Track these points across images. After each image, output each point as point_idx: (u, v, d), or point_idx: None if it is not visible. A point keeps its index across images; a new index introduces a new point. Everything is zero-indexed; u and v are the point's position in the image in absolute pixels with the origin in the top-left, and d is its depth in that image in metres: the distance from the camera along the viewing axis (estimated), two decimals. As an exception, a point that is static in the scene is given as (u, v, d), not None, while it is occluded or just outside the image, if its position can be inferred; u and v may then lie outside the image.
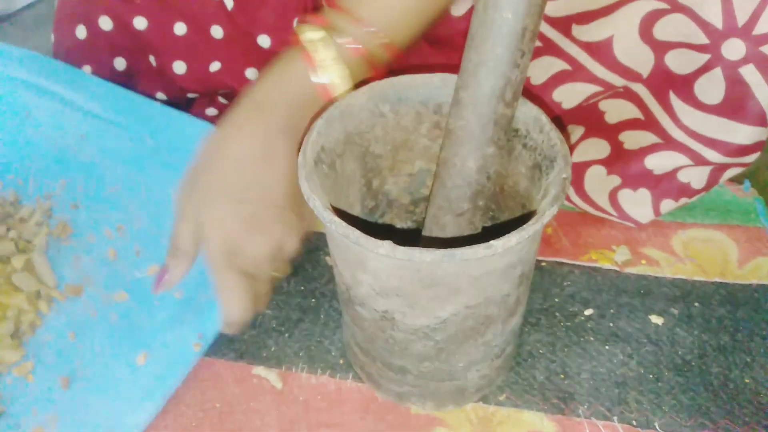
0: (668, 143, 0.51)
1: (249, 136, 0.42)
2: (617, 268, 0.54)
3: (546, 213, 0.34)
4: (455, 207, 0.39)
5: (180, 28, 0.58)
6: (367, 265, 0.36)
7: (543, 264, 0.55)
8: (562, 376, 0.48)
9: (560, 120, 0.54)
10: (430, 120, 0.43)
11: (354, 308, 0.40)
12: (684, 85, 0.48)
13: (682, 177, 0.52)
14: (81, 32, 0.59)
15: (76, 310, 0.50)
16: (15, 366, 0.47)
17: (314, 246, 0.57)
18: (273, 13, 0.57)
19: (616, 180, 0.54)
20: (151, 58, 0.60)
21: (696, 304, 0.51)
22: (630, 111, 0.52)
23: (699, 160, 0.50)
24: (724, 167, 0.51)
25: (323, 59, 0.42)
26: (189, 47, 0.59)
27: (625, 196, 0.54)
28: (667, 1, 0.45)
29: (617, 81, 0.49)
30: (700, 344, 0.49)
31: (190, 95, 0.63)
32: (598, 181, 0.54)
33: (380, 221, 0.49)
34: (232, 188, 0.42)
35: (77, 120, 0.57)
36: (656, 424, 0.45)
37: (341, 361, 0.49)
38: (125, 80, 0.60)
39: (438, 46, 0.53)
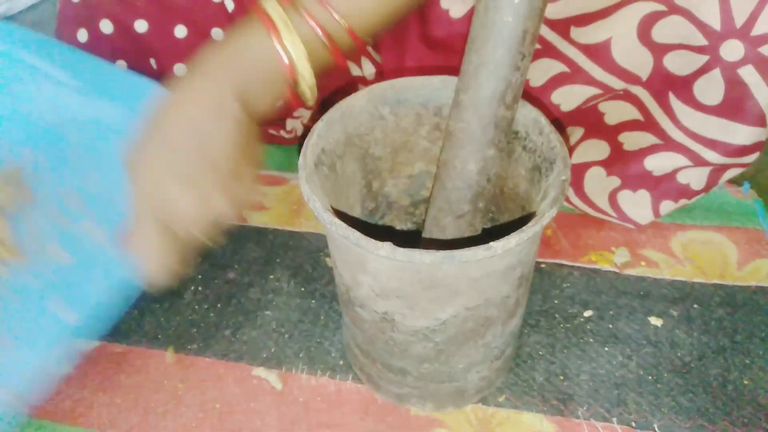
0: (668, 144, 0.51)
1: (200, 98, 0.41)
2: (617, 270, 0.54)
3: (545, 215, 0.34)
4: (455, 209, 0.39)
5: (181, 31, 0.58)
6: (367, 267, 0.36)
7: (542, 265, 0.55)
8: (561, 377, 0.48)
9: (559, 122, 0.54)
10: (430, 122, 0.43)
11: (354, 309, 0.40)
12: (683, 87, 0.48)
13: (682, 178, 0.52)
14: (82, 35, 0.60)
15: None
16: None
17: (315, 247, 0.57)
18: None
19: (615, 181, 0.54)
20: (152, 61, 0.60)
21: (695, 305, 0.52)
22: (629, 112, 0.52)
23: (698, 161, 0.50)
24: (723, 168, 0.51)
25: (285, 31, 0.42)
26: (190, 50, 0.59)
27: (625, 198, 0.54)
28: (664, 3, 0.45)
29: (616, 84, 0.49)
30: (699, 346, 0.49)
31: None
32: (598, 183, 0.54)
33: (380, 223, 0.49)
34: (174, 145, 0.41)
35: (45, 87, 0.57)
36: (655, 426, 0.45)
37: (341, 363, 0.49)
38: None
39: (437, 49, 0.53)
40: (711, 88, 0.47)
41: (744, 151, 0.49)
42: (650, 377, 0.47)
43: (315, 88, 0.44)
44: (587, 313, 0.51)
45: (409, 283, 0.35)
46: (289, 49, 0.42)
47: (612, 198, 0.54)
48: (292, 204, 0.61)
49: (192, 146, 0.40)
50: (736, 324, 0.50)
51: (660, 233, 0.57)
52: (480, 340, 0.40)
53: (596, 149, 0.54)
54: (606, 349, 0.49)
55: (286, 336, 0.51)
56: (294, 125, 0.64)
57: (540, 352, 0.49)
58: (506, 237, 0.33)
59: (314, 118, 0.63)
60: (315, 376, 0.48)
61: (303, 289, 0.54)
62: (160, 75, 0.60)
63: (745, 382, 0.47)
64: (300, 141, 0.66)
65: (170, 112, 0.42)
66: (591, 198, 0.55)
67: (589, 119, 0.54)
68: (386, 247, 0.33)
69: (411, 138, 0.44)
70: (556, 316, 0.51)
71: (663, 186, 0.53)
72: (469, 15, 0.50)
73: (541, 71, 0.51)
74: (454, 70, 0.38)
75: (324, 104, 0.64)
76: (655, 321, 0.51)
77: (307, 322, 0.52)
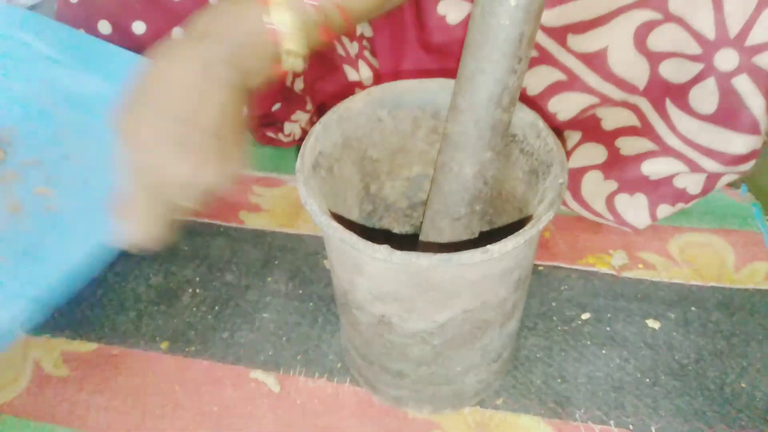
0: (664, 150, 0.51)
1: (189, 62, 0.40)
2: (614, 273, 0.54)
3: (542, 218, 0.34)
4: (452, 211, 0.39)
5: (178, 33, 0.58)
6: (364, 270, 0.36)
7: (540, 268, 0.55)
8: (559, 380, 0.48)
9: (557, 127, 0.54)
10: (427, 125, 0.44)
11: (351, 312, 0.40)
12: (679, 94, 0.48)
13: (679, 183, 0.52)
14: None
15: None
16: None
17: (312, 249, 0.57)
18: None
19: (613, 185, 0.54)
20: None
21: (692, 308, 0.52)
22: (627, 118, 0.52)
23: (695, 168, 0.51)
24: (720, 174, 0.51)
25: (278, 3, 0.41)
26: None
27: (622, 201, 0.54)
28: (660, 11, 0.45)
29: (614, 93, 0.49)
30: (696, 348, 0.49)
31: None
32: (595, 186, 0.54)
33: (378, 225, 0.49)
34: (164, 109, 0.40)
35: (38, 65, 0.60)
36: (653, 428, 0.45)
37: (339, 365, 0.49)
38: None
39: (435, 53, 0.53)
40: (706, 97, 0.47)
41: (740, 159, 0.49)
42: (648, 380, 0.47)
43: (305, 58, 0.43)
44: (585, 316, 0.51)
45: (406, 286, 0.35)
46: (282, 24, 0.41)
47: (609, 202, 0.54)
48: (290, 206, 0.61)
49: (184, 111, 0.39)
50: (733, 327, 0.50)
51: (657, 236, 0.57)
52: (477, 343, 0.40)
53: (593, 153, 0.54)
54: (603, 351, 0.49)
55: (284, 339, 0.51)
56: (292, 129, 0.64)
57: (538, 355, 0.49)
58: (503, 240, 0.33)
59: (312, 122, 0.63)
60: (312, 379, 0.48)
61: (301, 291, 0.54)
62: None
63: (743, 384, 0.47)
64: (298, 144, 0.66)
65: (160, 76, 0.41)
66: (588, 202, 0.55)
67: (587, 124, 0.54)
68: (383, 250, 0.33)
69: (408, 141, 0.44)
70: (554, 318, 0.51)
71: (660, 190, 0.53)
72: (466, 21, 0.50)
73: (539, 79, 0.51)
74: (451, 73, 0.38)
75: (321, 108, 0.64)
76: (653, 324, 0.51)
77: (304, 325, 0.52)
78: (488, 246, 0.33)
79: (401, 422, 0.46)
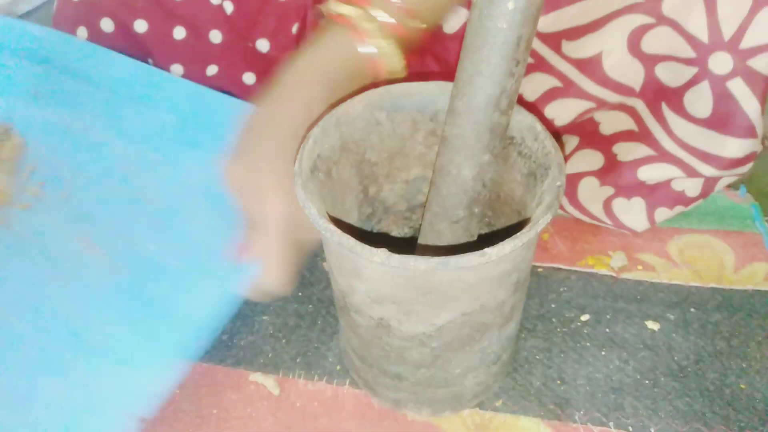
0: (661, 156, 0.51)
1: (292, 106, 0.42)
2: (613, 274, 0.54)
3: (540, 221, 0.34)
4: (451, 214, 0.39)
5: (179, 33, 0.58)
6: (362, 273, 0.36)
7: (539, 270, 0.55)
8: (558, 381, 0.48)
9: (555, 131, 0.54)
10: (426, 127, 0.44)
11: (350, 315, 0.40)
12: (674, 98, 0.48)
13: (676, 186, 0.52)
14: (82, 33, 0.60)
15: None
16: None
17: (312, 252, 0.57)
18: (273, 18, 0.58)
19: (609, 190, 0.54)
20: (150, 61, 0.60)
21: (692, 309, 0.52)
22: (624, 122, 0.52)
23: (692, 173, 0.50)
24: (718, 178, 0.51)
25: (368, 30, 0.42)
26: (187, 51, 0.59)
27: (620, 205, 0.54)
28: (653, 15, 0.45)
29: (610, 97, 0.49)
30: (696, 350, 0.49)
31: None
32: (591, 192, 0.54)
33: (377, 228, 0.49)
34: (285, 153, 0.41)
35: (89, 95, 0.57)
36: (652, 430, 0.45)
37: (338, 368, 0.49)
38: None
39: (433, 59, 0.54)
40: (700, 101, 0.47)
41: (737, 163, 0.49)
42: (647, 381, 0.47)
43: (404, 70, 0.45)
44: (584, 317, 0.51)
45: (405, 289, 0.35)
46: (379, 48, 0.42)
47: (606, 206, 0.54)
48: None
49: (290, 153, 0.40)
50: (732, 328, 0.50)
51: (657, 237, 0.57)
52: (476, 346, 0.40)
53: (590, 160, 0.54)
54: (603, 353, 0.49)
55: (283, 341, 0.51)
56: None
57: (537, 357, 0.49)
58: (501, 243, 0.33)
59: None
60: (312, 381, 0.48)
61: (300, 293, 0.54)
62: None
63: (742, 386, 0.47)
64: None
65: (264, 123, 0.42)
66: (585, 206, 0.55)
67: (584, 129, 0.54)
68: (381, 254, 0.33)
69: (407, 143, 0.44)
70: (553, 320, 0.51)
71: (658, 194, 0.53)
72: (462, 30, 0.50)
73: (534, 86, 0.51)
74: (451, 76, 0.38)
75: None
76: (652, 325, 0.51)
77: (304, 327, 0.52)
78: (486, 249, 0.33)
79: (400, 424, 0.46)
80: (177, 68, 0.59)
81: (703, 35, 0.44)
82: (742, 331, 0.50)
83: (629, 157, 0.52)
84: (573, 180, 0.55)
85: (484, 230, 0.47)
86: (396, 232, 0.50)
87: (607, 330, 0.50)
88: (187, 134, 0.53)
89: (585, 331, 0.51)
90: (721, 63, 0.44)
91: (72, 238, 0.51)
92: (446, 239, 0.40)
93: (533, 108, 0.52)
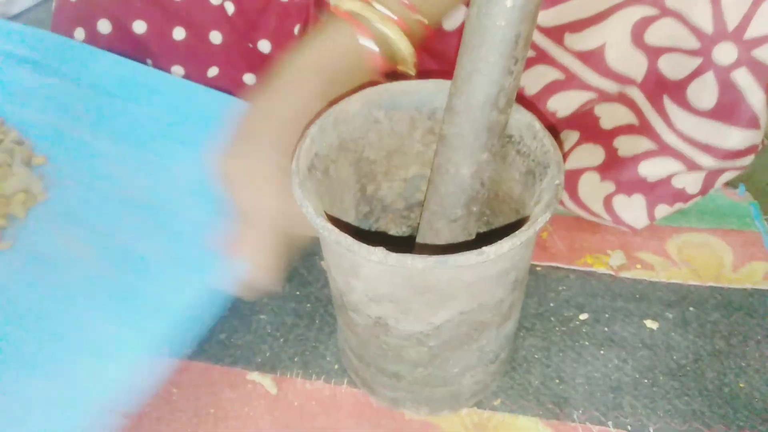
0: (662, 149, 0.51)
1: (288, 101, 0.41)
2: (612, 273, 0.54)
3: (539, 219, 0.34)
4: (449, 213, 0.39)
5: (179, 33, 0.58)
6: (359, 272, 0.36)
7: (538, 268, 0.55)
8: (557, 380, 0.48)
9: (554, 127, 0.54)
10: (424, 126, 0.43)
11: (347, 314, 0.40)
12: (677, 90, 0.48)
13: (677, 183, 0.52)
14: (80, 34, 0.59)
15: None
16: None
17: (309, 251, 0.57)
18: (274, 19, 0.57)
19: (610, 186, 0.54)
20: (149, 62, 0.60)
21: (691, 308, 0.52)
22: (625, 116, 0.52)
23: (692, 166, 0.50)
24: (718, 172, 0.51)
25: (374, 20, 0.42)
26: (187, 52, 0.59)
27: (620, 202, 0.54)
28: (657, 7, 0.45)
29: (611, 87, 0.49)
30: (694, 349, 0.49)
31: None
32: (592, 188, 0.54)
33: (375, 227, 0.49)
34: (281, 147, 0.41)
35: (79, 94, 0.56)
36: (651, 429, 0.45)
37: (336, 367, 0.49)
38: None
39: (431, 57, 0.53)
40: (704, 92, 0.47)
41: (738, 154, 0.49)
42: (646, 380, 0.47)
43: (415, 65, 0.44)
44: (583, 316, 0.51)
45: (402, 288, 0.35)
46: (380, 41, 0.42)
47: (607, 202, 0.54)
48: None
49: (286, 147, 0.40)
50: (731, 327, 0.50)
51: (655, 236, 0.57)
52: (474, 344, 0.40)
53: (591, 155, 0.54)
54: (602, 352, 0.49)
55: (281, 340, 0.51)
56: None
57: (536, 356, 0.49)
58: (499, 242, 0.33)
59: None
60: (310, 381, 0.48)
61: (298, 292, 0.54)
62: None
63: (741, 385, 0.47)
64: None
65: (260, 117, 0.42)
66: (585, 202, 0.55)
67: (585, 123, 0.54)
68: (378, 253, 0.33)
69: (405, 142, 0.44)
70: (552, 319, 0.51)
71: (658, 190, 0.52)
72: (460, 28, 0.50)
73: (536, 79, 0.51)
74: (449, 74, 0.38)
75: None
76: (651, 324, 0.51)
77: (301, 326, 0.52)
78: (484, 248, 0.32)
79: (398, 423, 0.46)
80: (177, 69, 0.59)
81: (708, 26, 0.44)
82: (741, 330, 0.50)
83: (630, 152, 0.52)
84: (573, 176, 0.55)
85: (483, 229, 0.47)
86: (394, 230, 0.50)
87: (606, 329, 0.50)
88: (181, 132, 0.53)
89: (584, 330, 0.50)
90: (725, 53, 0.44)
91: (59, 235, 0.51)
92: (444, 238, 0.40)
93: (535, 101, 0.52)
